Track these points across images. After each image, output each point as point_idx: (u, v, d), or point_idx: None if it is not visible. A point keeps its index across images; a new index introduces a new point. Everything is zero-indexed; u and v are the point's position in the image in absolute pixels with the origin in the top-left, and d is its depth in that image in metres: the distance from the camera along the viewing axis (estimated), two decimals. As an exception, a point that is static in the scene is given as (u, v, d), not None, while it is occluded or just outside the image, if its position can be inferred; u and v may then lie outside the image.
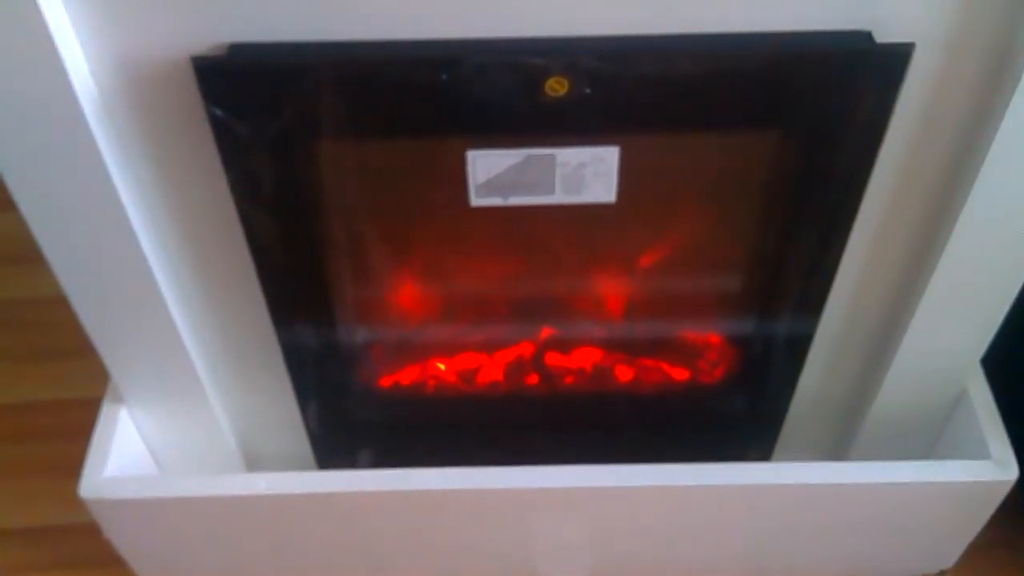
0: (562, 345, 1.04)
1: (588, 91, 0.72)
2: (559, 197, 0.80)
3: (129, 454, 1.00)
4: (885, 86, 0.73)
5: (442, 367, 1.06)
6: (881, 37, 0.70)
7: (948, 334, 0.92)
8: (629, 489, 0.93)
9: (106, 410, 0.99)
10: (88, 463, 0.95)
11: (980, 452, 0.95)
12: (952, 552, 1.06)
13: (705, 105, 0.76)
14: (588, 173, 0.79)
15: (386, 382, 1.07)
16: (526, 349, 1.04)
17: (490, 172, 0.79)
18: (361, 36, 0.70)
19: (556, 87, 0.72)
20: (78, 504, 0.94)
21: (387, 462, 0.95)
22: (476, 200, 0.80)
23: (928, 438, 1.05)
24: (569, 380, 1.06)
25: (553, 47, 0.70)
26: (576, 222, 0.86)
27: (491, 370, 1.05)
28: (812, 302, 0.91)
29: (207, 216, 0.83)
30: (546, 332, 1.03)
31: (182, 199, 0.82)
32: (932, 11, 0.70)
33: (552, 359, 1.05)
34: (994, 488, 0.95)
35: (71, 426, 1.03)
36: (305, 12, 0.69)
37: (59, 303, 0.86)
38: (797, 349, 0.96)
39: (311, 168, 0.81)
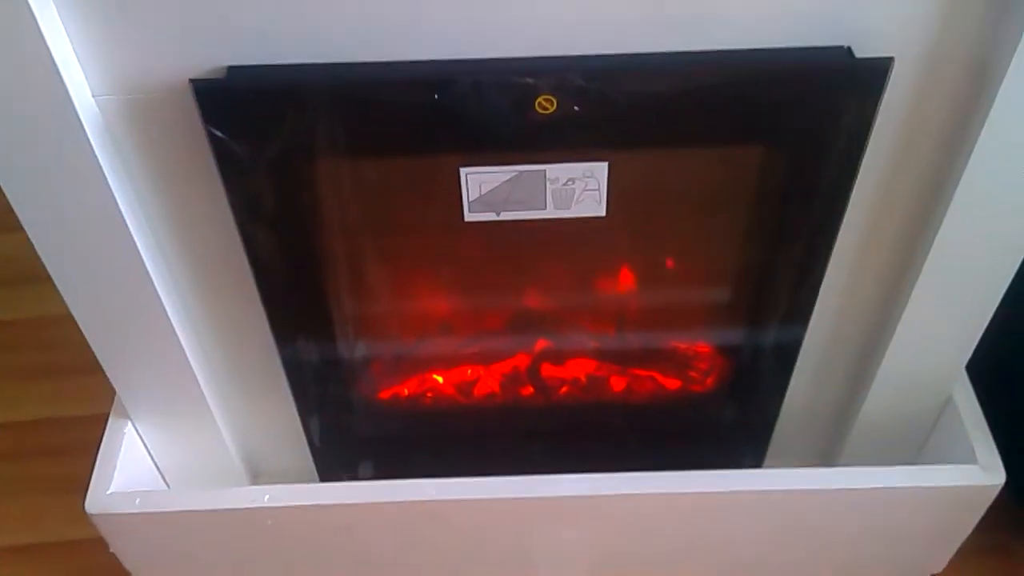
0: (557, 357, 1.05)
1: (576, 108, 0.73)
2: (550, 212, 0.82)
3: (134, 469, 1.01)
4: (865, 100, 0.74)
5: (440, 380, 1.07)
6: (860, 52, 0.72)
7: (933, 342, 0.94)
8: (623, 496, 0.94)
9: (111, 426, 1.00)
10: (94, 478, 0.96)
11: (967, 457, 0.96)
12: (941, 557, 1.07)
13: (690, 121, 0.77)
14: (578, 188, 0.80)
15: (386, 395, 1.08)
16: (521, 361, 1.05)
17: (483, 188, 0.80)
18: (356, 58, 0.72)
19: (546, 105, 0.73)
20: (85, 520, 0.95)
21: (388, 474, 0.96)
22: (470, 215, 0.82)
23: (915, 444, 1.06)
24: (564, 391, 1.07)
25: (542, 66, 0.72)
26: (568, 236, 0.87)
27: (488, 382, 1.06)
28: (799, 313, 0.92)
29: (209, 234, 0.85)
30: (541, 344, 1.04)
31: (184, 218, 0.84)
32: (911, 26, 0.72)
33: (547, 370, 1.06)
34: (981, 492, 0.95)
35: (78, 443, 1.03)
36: (301, 35, 0.70)
37: (66, 322, 0.87)
38: (785, 358, 0.97)
39: (309, 187, 0.82)
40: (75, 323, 0.88)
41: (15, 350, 1.42)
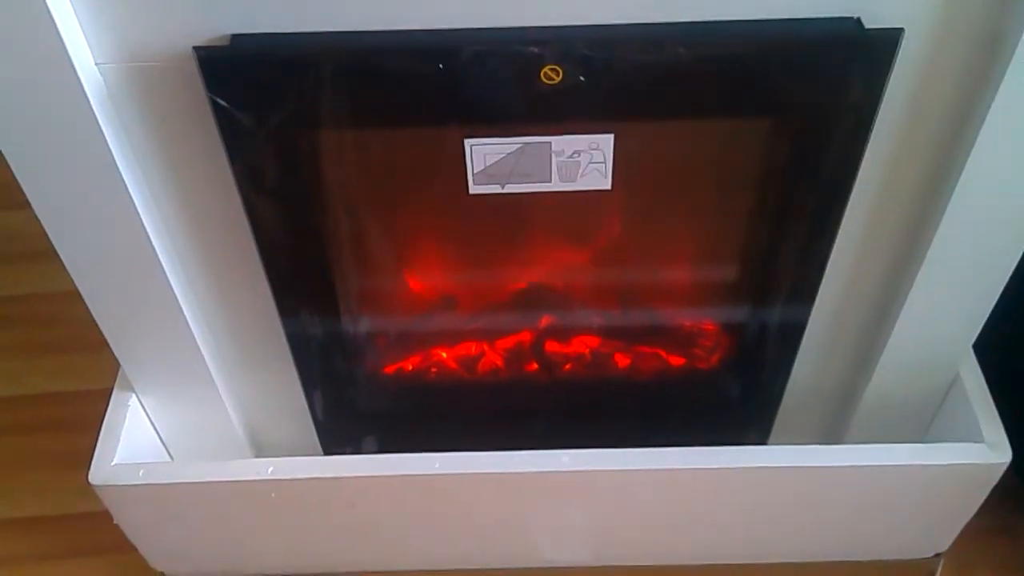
0: (561, 332, 1.05)
1: (582, 79, 0.72)
2: (555, 185, 0.81)
3: (139, 442, 1.01)
4: (874, 72, 0.73)
5: (444, 355, 1.07)
6: (870, 23, 0.71)
7: (940, 320, 0.93)
8: (629, 472, 0.94)
9: (116, 398, 1.00)
10: (98, 450, 0.97)
11: (973, 435, 0.95)
12: (946, 535, 1.07)
13: (696, 92, 0.76)
14: (583, 161, 0.80)
15: (389, 370, 1.08)
16: (526, 337, 1.05)
17: (488, 160, 0.80)
18: (360, 27, 0.71)
19: (551, 75, 0.73)
20: (90, 493, 0.96)
21: (391, 449, 0.96)
22: (474, 188, 0.81)
23: (922, 422, 1.06)
24: (568, 367, 1.07)
25: (547, 36, 0.71)
26: (573, 210, 0.87)
27: (492, 357, 1.06)
28: (805, 289, 0.92)
29: (212, 206, 0.85)
30: (545, 320, 1.04)
31: (188, 189, 0.83)
32: (920, -3, 0.71)
33: (551, 346, 1.06)
34: (987, 471, 0.95)
35: (83, 417, 1.04)
36: (306, 3, 0.70)
37: (72, 297, 0.88)
38: (791, 336, 0.97)
39: (313, 157, 0.82)
40: (80, 299, 0.88)
41: (22, 325, 1.43)
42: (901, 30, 0.71)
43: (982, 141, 0.77)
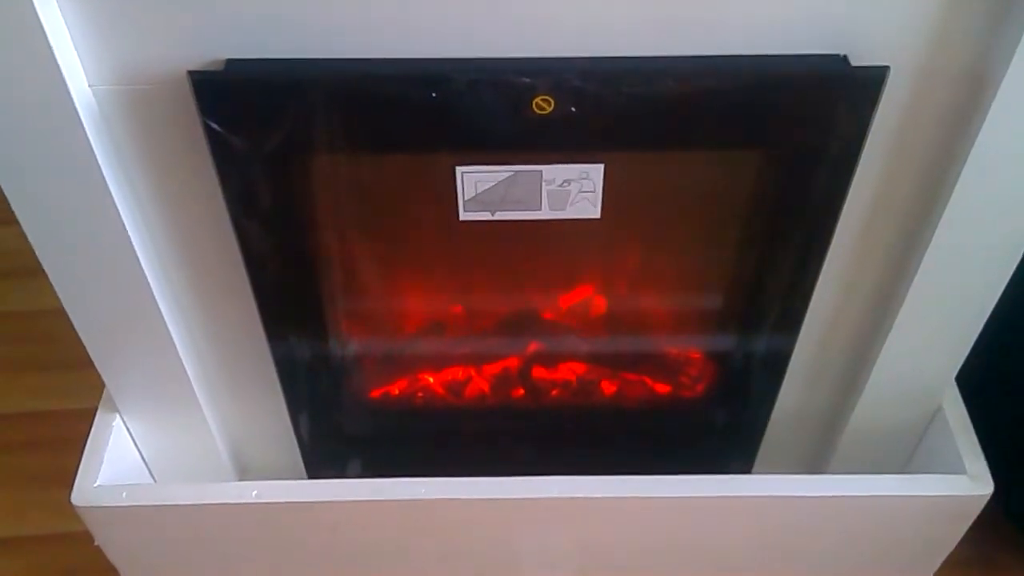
0: (548, 359, 1.05)
1: (573, 109, 0.73)
2: (545, 213, 0.82)
3: (122, 463, 1.00)
4: (860, 108, 0.74)
5: (431, 380, 1.07)
6: (856, 61, 0.72)
7: (923, 351, 0.94)
8: (612, 500, 0.94)
9: (100, 419, 0.99)
10: (81, 471, 0.96)
11: (955, 467, 0.96)
12: (928, 566, 1.07)
13: (686, 125, 0.77)
14: (573, 189, 0.80)
15: (376, 394, 1.08)
16: (513, 362, 1.05)
17: (478, 187, 0.80)
18: (355, 54, 0.72)
19: (543, 105, 0.73)
20: (72, 513, 0.95)
21: (376, 473, 0.96)
22: (465, 215, 0.82)
23: (904, 453, 1.07)
24: (555, 393, 1.07)
25: (540, 66, 0.72)
26: (562, 238, 0.87)
27: (479, 383, 1.06)
28: (790, 320, 0.92)
29: (203, 229, 0.85)
30: (533, 346, 1.04)
31: (178, 211, 0.83)
32: (907, 36, 0.72)
33: (538, 372, 1.06)
34: (969, 502, 0.95)
35: (67, 436, 1.03)
36: (301, 30, 0.71)
37: (58, 315, 0.87)
38: (776, 365, 0.97)
39: (305, 182, 0.82)
40: (66, 317, 0.88)
41: (6, 342, 1.42)
42: (887, 68, 0.72)
43: (966, 176, 0.78)
